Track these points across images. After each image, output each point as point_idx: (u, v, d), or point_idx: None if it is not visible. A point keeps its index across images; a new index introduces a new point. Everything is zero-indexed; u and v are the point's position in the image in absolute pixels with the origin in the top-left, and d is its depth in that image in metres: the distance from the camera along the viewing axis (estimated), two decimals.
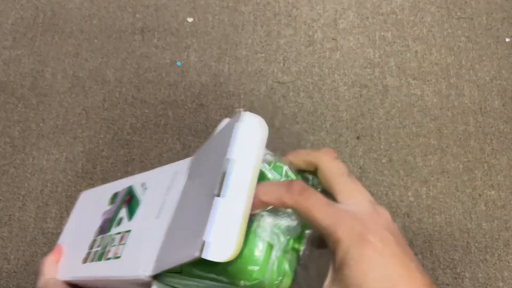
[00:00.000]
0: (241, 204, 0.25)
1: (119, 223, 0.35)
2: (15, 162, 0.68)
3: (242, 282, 0.26)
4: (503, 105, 0.74)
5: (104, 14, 0.77)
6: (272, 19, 0.79)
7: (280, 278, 0.26)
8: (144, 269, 0.28)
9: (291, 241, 0.27)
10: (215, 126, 0.67)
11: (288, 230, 0.27)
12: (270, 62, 0.76)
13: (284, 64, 0.76)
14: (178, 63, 0.75)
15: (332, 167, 0.28)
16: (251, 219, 0.26)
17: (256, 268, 0.26)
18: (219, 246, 0.24)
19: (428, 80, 0.76)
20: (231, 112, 0.72)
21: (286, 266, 0.27)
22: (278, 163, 0.29)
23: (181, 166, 0.34)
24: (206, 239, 0.23)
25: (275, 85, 0.74)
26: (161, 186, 0.34)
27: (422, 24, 0.79)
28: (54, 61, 0.74)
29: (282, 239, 0.27)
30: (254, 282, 0.26)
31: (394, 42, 0.78)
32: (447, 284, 0.64)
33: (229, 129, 0.28)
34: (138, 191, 0.36)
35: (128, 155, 0.69)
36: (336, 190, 0.28)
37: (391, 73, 0.76)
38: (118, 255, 0.32)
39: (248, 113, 0.28)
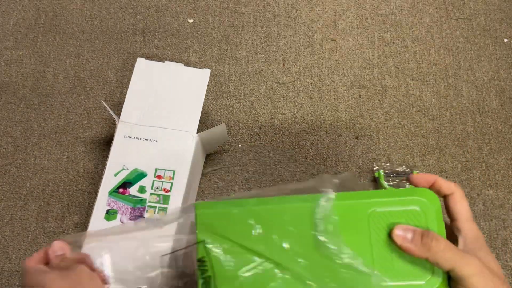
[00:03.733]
0: None
1: None
2: (16, 162, 0.68)
3: None
4: (501, 105, 0.75)
5: (105, 15, 0.78)
6: (272, 20, 0.79)
7: None
8: None
9: None
10: (215, 126, 0.67)
11: None
12: (269, 62, 0.76)
13: (283, 65, 0.76)
14: None
15: (462, 208, 0.38)
16: None
17: None
18: None
19: (426, 81, 0.76)
20: (231, 112, 0.72)
21: None
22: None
23: None
24: None
25: (275, 85, 0.75)
26: None
27: (420, 25, 0.80)
28: (55, 61, 0.74)
29: None
30: None
31: (393, 43, 0.78)
32: None
33: None
34: None
35: None
36: (463, 234, 0.37)
37: (390, 73, 0.76)
38: None
39: None
